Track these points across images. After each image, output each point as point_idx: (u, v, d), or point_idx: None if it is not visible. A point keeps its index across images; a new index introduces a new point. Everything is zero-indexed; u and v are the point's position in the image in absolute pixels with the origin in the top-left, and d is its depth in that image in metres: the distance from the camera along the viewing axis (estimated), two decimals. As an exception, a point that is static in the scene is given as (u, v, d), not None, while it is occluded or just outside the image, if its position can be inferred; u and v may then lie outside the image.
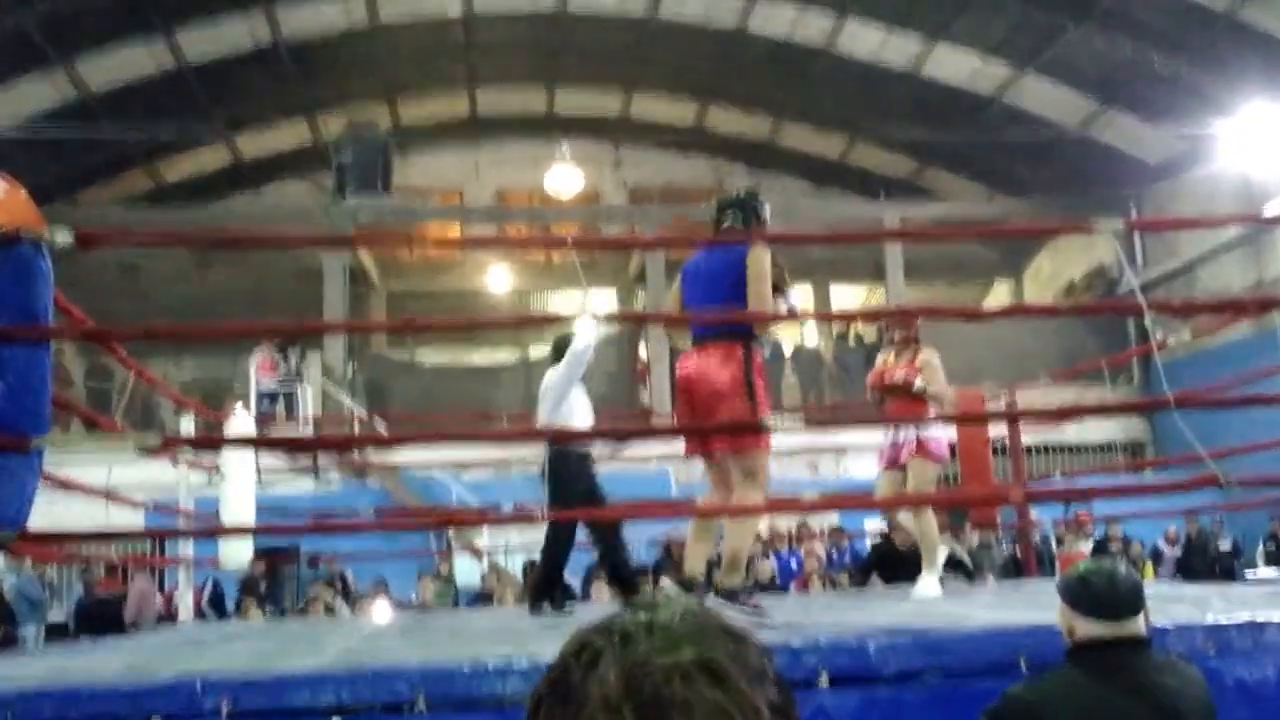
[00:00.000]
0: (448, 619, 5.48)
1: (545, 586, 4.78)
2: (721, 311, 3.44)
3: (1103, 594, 1.99)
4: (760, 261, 3.38)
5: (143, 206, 14.03)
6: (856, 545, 9.92)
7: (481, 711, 2.29)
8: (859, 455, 11.91)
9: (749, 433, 3.37)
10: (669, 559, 8.51)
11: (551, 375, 4.75)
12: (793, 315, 4.19)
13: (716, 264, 3.48)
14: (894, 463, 4.76)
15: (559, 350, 4.77)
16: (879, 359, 4.98)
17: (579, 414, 4.72)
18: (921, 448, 4.65)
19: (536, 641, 3.02)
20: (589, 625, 0.66)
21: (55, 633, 9.63)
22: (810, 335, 14.18)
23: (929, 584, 4.66)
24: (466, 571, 10.50)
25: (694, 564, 3.58)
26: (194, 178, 14.75)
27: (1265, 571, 9.62)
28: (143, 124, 12.31)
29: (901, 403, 4.72)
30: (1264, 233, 11.35)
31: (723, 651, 0.61)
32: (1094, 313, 12.12)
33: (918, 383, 4.71)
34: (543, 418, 4.74)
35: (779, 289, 3.56)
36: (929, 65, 12.85)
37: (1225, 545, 10.26)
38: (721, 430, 3.48)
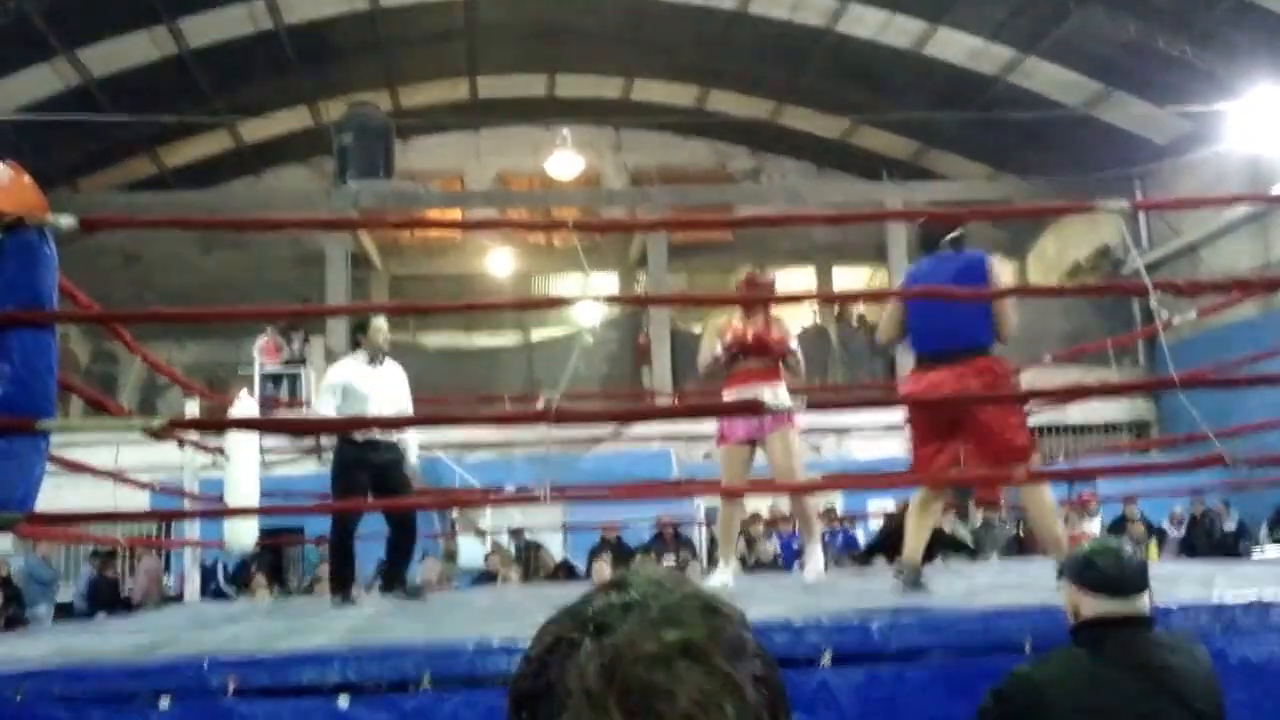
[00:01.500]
0: (452, 598, 5.51)
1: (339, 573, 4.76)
2: (962, 325, 3.45)
3: (1109, 572, 1.99)
4: (1005, 271, 3.65)
5: (145, 192, 14.05)
6: (849, 530, 9.95)
7: (486, 688, 2.29)
8: (861, 436, 11.95)
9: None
10: (661, 540, 8.54)
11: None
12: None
13: (951, 275, 3.54)
14: (748, 436, 4.31)
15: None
16: (726, 321, 4.48)
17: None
18: (787, 416, 4.24)
19: (540, 619, 2.99)
20: (561, 613, 0.64)
21: (63, 612, 9.74)
22: (808, 316, 14.19)
23: (814, 565, 4.44)
24: (470, 552, 10.56)
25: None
26: (196, 163, 14.76)
27: (1273, 551, 9.60)
28: (145, 110, 12.30)
29: (761, 369, 4.29)
30: (1271, 213, 11.28)
31: (701, 630, 0.60)
32: (1098, 293, 12.09)
33: (795, 346, 4.41)
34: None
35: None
36: (931, 46, 12.77)
37: (1231, 525, 10.25)
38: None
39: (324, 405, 4.71)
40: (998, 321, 3.49)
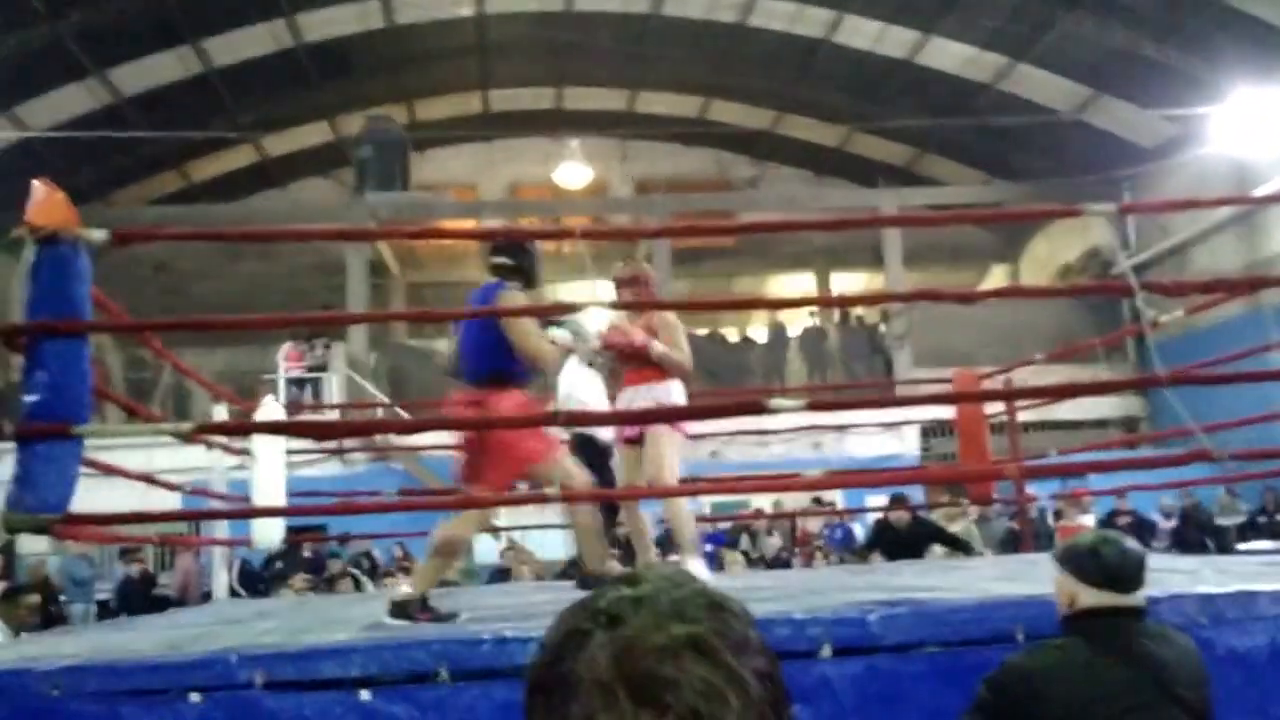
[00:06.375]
0: (468, 594, 5.51)
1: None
2: (478, 351, 3.44)
3: (1114, 565, 2.01)
4: (512, 301, 3.42)
5: (174, 205, 14.54)
6: (847, 525, 10.25)
7: (501, 680, 2.34)
8: (861, 433, 12.30)
9: (515, 458, 3.40)
10: (667, 536, 8.91)
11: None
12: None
13: (477, 304, 3.55)
14: (635, 435, 4.10)
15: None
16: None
17: None
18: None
19: (552, 614, 3.00)
20: (576, 604, 0.66)
21: (104, 611, 10.06)
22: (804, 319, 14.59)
23: (695, 569, 3.95)
24: (485, 549, 10.95)
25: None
26: (222, 177, 15.26)
27: (1260, 544, 9.77)
28: (173, 126, 12.79)
29: (640, 369, 4.03)
30: (1255, 214, 11.45)
31: (708, 626, 0.62)
32: (1086, 294, 12.34)
33: (657, 346, 4.00)
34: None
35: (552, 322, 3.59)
36: (925, 55, 13.09)
37: (1240, 519, 10.28)
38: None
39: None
40: (519, 351, 3.39)
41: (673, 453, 3.96)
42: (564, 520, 4.75)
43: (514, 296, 3.46)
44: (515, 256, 3.59)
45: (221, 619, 4.05)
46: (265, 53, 12.90)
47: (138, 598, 9.51)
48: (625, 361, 4.10)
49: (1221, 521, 10.46)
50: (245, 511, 5.37)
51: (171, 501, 7.76)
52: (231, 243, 13.75)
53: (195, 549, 9.90)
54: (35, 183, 3.06)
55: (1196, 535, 10.34)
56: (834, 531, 10.26)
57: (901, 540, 6.69)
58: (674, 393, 4.05)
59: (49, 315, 2.94)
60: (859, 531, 10.10)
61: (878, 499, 9.88)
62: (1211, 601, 2.61)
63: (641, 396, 4.00)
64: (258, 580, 9.22)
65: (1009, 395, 6.01)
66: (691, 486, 4.98)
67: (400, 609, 3.17)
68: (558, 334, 3.54)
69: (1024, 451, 7.22)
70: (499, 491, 3.49)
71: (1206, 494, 10.49)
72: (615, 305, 4.03)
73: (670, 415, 4.05)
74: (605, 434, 4.68)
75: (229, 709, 2.32)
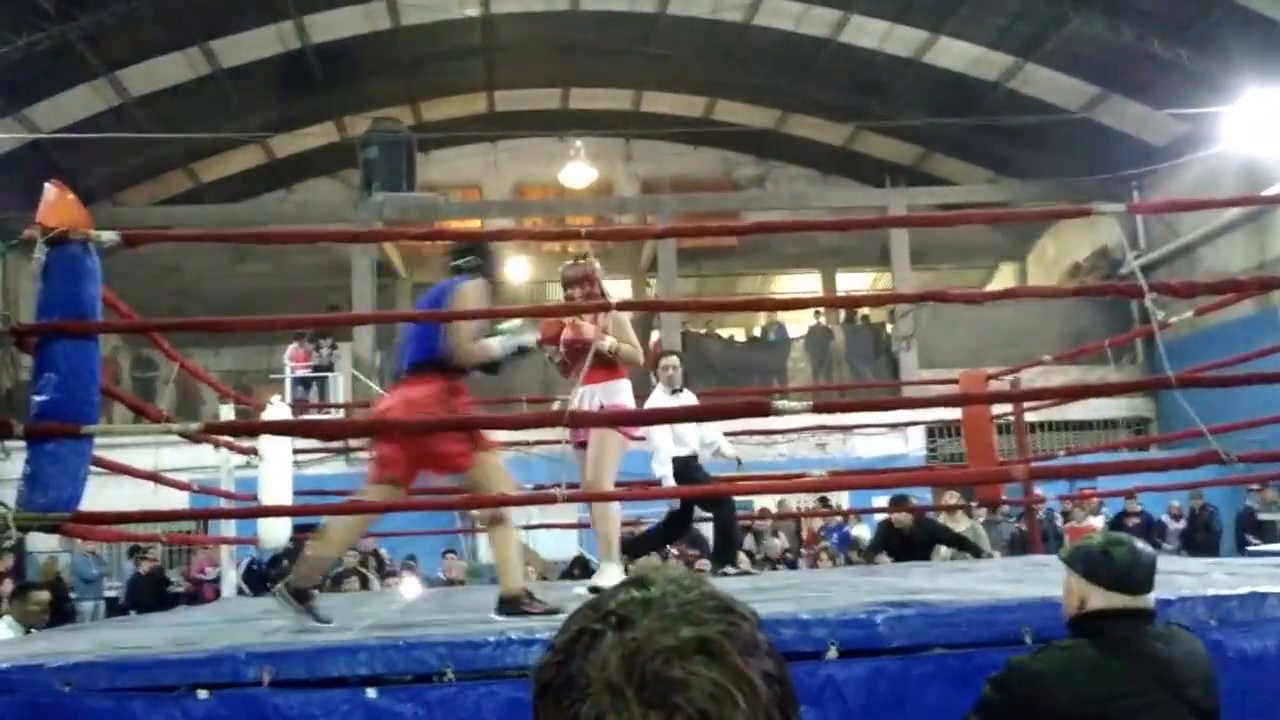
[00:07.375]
0: (473, 594, 5.55)
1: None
2: (416, 339, 3.49)
3: (1126, 568, 2.01)
4: (466, 293, 3.42)
5: (182, 206, 14.63)
6: (845, 526, 10.23)
7: (506, 681, 2.37)
8: (865, 434, 12.27)
9: (456, 455, 3.39)
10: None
11: None
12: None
13: (427, 301, 3.61)
14: (584, 441, 4.10)
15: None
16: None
17: None
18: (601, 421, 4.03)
19: (558, 615, 3.00)
20: (585, 605, 0.67)
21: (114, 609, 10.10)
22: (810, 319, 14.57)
23: (612, 574, 3.98)
24: (490, 549, 10.93)
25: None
26: (229, 178, 15.32)
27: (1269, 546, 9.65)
28: (181, 127, 12.87)
29: (594, 368, 3.99)
30: (1266, 213, 11.38)
31: (717, 628, 0.63)
32: (1094, 294, 12.29)
33: (608, 342, 4.00)
34: None
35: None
36: (933, 54, 13.07)
37: (1274, 516, 10.04)
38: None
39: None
40: (446, 340, 3.40)
41: (613, 456, 4.02)
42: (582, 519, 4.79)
43: (474, 286, 3.48)
44: (477, 255, 3.64)
45: (229, 617, 4.07)
46: (272, 54, 12.96)
47: (147, 595, 9.58)
48: (575, 359, 4.08)
49: (1264, 518, 10.30)
50: (252, 510, 5.39)
51: (179, 500, 7.80)
52: (239, 243, 13.76)
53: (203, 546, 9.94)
54: (47, 184, 3.07)
55: (1205, 537, 10.29)
56: (832, 534, 10.25)
57: (908, 542, 6.68)
58: (624, 391, 4.14)
59: (59, 315, 2.96)
60: (864, 533, 10.07)
61: (883, 500, 9.87)
62: (1221, 603, 2.60)
63: (596, 395, 4.06)
64: (264, 579, 9.25)
65: (1016, 396, 6.03)
66: (694, 487, 5.00)
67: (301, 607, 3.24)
68: (494, 341, 3.53)
69: (1032, 452, 7.19)
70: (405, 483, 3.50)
71: (1219, 495, 10.43)
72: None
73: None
74: (689, 445, 5.17)
75: (237, 706, 2.33)
